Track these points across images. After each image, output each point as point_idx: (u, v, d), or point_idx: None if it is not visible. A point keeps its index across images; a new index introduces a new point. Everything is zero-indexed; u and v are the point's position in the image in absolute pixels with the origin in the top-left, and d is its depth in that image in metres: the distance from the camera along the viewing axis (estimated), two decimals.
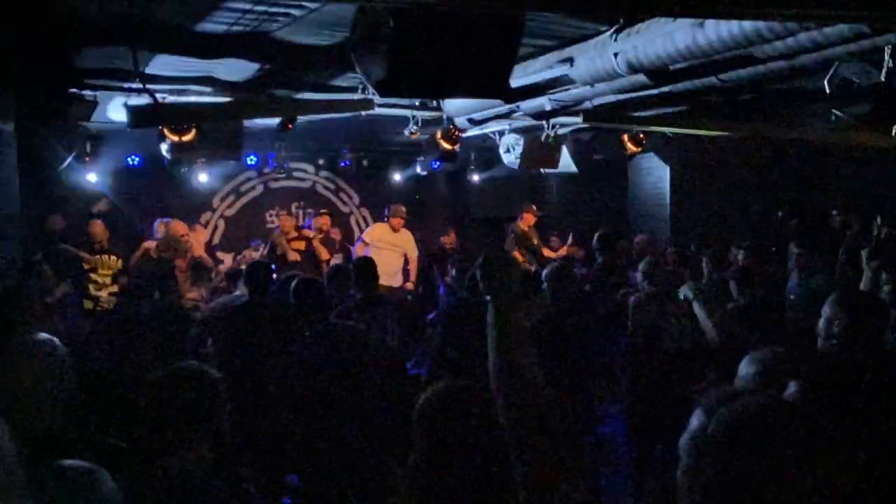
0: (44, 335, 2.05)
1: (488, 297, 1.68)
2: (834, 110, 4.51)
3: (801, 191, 9.40)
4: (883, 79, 4.08)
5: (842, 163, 9.14)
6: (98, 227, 7.51)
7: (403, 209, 8.69)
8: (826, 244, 7.21)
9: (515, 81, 5.27)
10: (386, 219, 8.73)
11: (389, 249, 8.49)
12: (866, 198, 8.38)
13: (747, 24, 3.52)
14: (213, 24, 4.49)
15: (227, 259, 9.15)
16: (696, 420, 1.23)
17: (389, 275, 8.09)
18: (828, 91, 4.21)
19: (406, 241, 8.70)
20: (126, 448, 2.00)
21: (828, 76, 4.16)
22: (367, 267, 5.10)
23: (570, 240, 9.09)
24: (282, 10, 4.19)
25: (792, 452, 1.13)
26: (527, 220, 8.81)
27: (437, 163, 10.50)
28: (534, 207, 8.95)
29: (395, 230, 8.59)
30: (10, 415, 1.52)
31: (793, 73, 4.61)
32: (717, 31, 3.66)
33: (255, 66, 5.49)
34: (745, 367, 2.28)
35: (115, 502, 1.52)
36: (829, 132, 6.35)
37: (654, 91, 5.28)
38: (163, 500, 1.85)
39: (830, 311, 2.82)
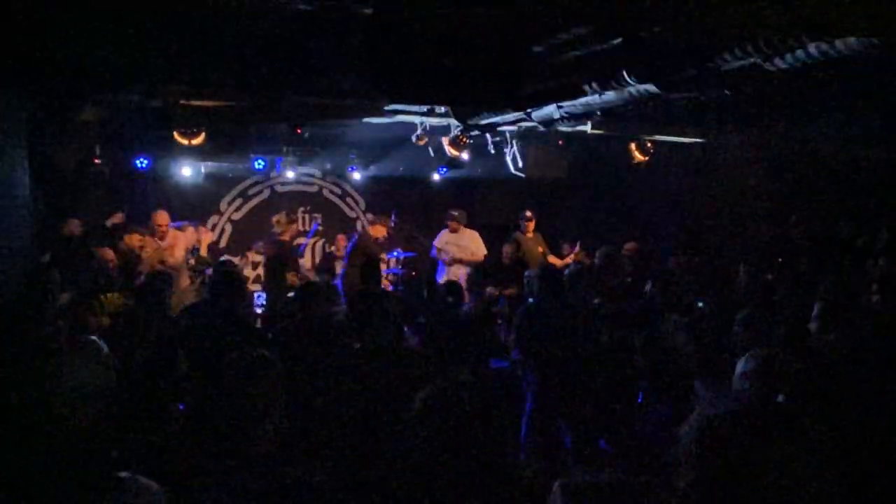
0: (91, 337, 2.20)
1: None
2: (847, 120, 4.49)
3: (811, 200, 9.38)
4: None
5: (852, 172, 9.11)
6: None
7: (455, 213, 8.84)
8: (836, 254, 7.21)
9: (525, 89, 5.30)
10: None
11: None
12: (876, 208, 8.35)
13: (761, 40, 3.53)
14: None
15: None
16: (694, 416, 1.29)
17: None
18: (840, 100, 4.20)
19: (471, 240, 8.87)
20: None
21: (840, 86, 4.15)
22: None
23: (577, 247, 9.08)
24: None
25: (763, 451, 1.17)
26: (529, 228, 8.81)
27: (444, 169, 10.53)
28: (528, 213, 8.93)
29: (454, 232, 8.81)
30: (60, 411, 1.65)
31: (803, 84, 4.61)
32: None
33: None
34: (740, 366, 2.36)
35: None
36: (840, 141, 6.34)
37: (663, 100, 5.29)
38: None
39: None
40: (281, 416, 2.09)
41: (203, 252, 7.80)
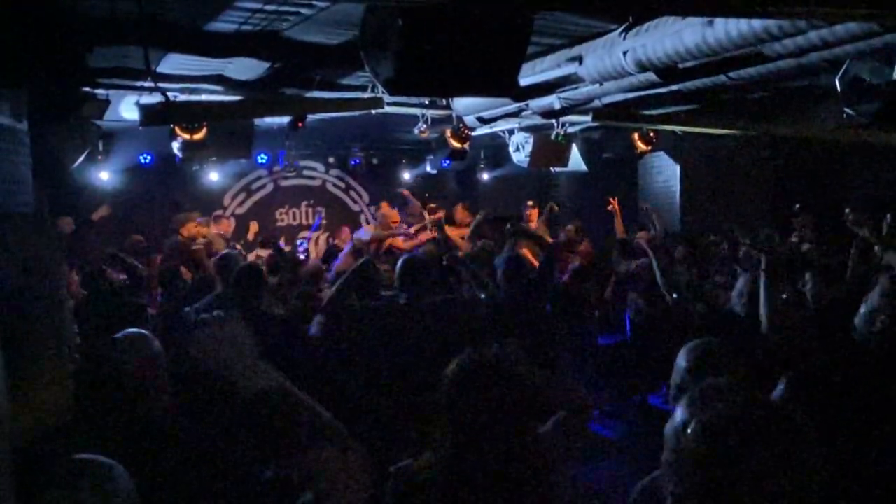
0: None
1: None
2: (845, 108, 4.46)
3: (813, 189, 9.34)
4: (895, 77, 4.05)
5: (853, 160, 9.08)
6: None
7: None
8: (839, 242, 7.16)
9: (524, 80, 5.28)
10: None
11: None
12: (878, 195, 8.31)
13: (756, 22, 3.51)
14: (224, 24, 4.52)
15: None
16: (680, 414, 1.25)
17: None
18: (839, 89, 4.18)
19: None
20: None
21: (839, 74, 4.13)
22: None
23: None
24: (292, 8, 4.22)
25: (770, 454, 1.15)
26: (531, 218, 8.82)
27: (447, 161, 10.51)
28: (530, 202, 8.95)
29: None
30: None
31: (803, 71, 4.58)
32: (727, 29, 3.66)
33: (266, 65, 5.52)
34: (680, 359, 2.32)
35: (131, 496, 1.55)
36: (839, 130, 6.30)
37: (664, 89, 5.27)
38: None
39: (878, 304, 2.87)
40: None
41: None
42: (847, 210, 8.08)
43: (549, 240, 8.92)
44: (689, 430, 1.21)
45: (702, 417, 1.20)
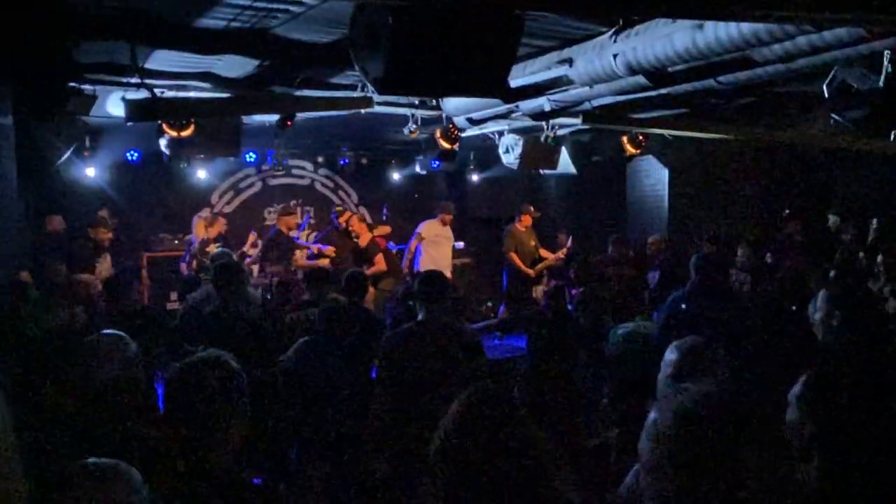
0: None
1: None
2: (832, 115, 4.49)
3: (800, 194, 9.41)
4: (882, 84, 4.08)
5: (840, 166, 9.15)
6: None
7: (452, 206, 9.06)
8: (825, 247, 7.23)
9: (515, 81, 5.28)
10: (436, 215, 8.96)
11: (445, 243, 8.85)
12: (863, 200, 8.39)
13: (745, 27, 3.53)
14: (212, 20, 4.49)
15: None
16: (652, 415, 1.28)
17: (447, 268, 8.57)
18: (826, 95, 4.20)
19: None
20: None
21: (827, 81, 4.15)
22: None
23: (569, 242, 9.08)
24: (281, 6, 4.19)
25: (731, 435, 1.17)
26: (524, 222, 8.81)
27: (437, 162, 10.49)
28: (531, 208, 8.95)
29: (444, 224, 8.87)
30: None
31: (791, 77, 4.61)
32: (716, 33, 3.67)
33: (255, 62, 5.49)
34: (668, 354, 2.35)
35: (143, 497, 1.52)
36: (827, 137, 6.35)
37: (654, 93, 5.28)
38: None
39: (826, 308, 2.95)
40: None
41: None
42: (830, 216, 8.16)
43: (539, 247, 8.97)
44: (660, 423, 1.23)
45: (670, 407, 1.24)
